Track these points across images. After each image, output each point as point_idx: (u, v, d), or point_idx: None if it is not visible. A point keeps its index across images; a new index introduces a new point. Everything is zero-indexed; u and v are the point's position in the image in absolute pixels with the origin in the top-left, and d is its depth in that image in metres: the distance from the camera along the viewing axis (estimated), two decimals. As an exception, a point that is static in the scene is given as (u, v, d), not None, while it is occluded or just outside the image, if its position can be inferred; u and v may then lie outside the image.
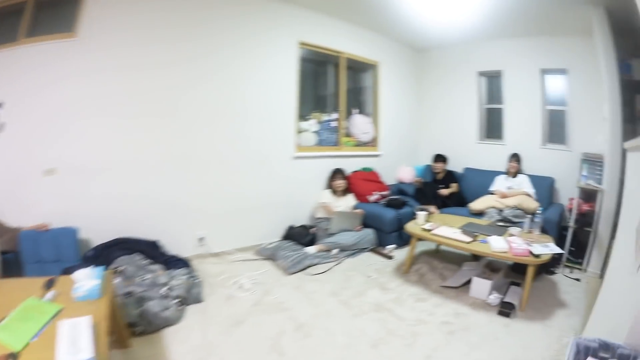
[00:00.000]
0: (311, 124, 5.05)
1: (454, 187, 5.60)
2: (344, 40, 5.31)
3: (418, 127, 6.89)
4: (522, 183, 5.05)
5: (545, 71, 5.30)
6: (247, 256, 4.31)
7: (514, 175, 5.18)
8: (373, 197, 5.19)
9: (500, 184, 5.23)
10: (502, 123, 5.86)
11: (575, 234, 4.35)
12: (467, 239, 3.55)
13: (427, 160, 6.35)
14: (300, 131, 4.92)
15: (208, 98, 4.03)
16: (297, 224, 4.85)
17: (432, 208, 5.13)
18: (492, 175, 5.45)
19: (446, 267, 4.15)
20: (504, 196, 4.88)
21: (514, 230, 3.78)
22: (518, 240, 3.49)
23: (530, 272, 3.25)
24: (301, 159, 4.87)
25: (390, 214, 4.71)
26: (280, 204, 4.76)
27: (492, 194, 5.12)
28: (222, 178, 4.25)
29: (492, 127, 6.14)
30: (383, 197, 5.30)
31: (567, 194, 4.95)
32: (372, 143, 5.95)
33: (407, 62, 6.53)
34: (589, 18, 4.12)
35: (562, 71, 5.11)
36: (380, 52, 5.92)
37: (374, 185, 5.36)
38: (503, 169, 5.35)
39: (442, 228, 3.84)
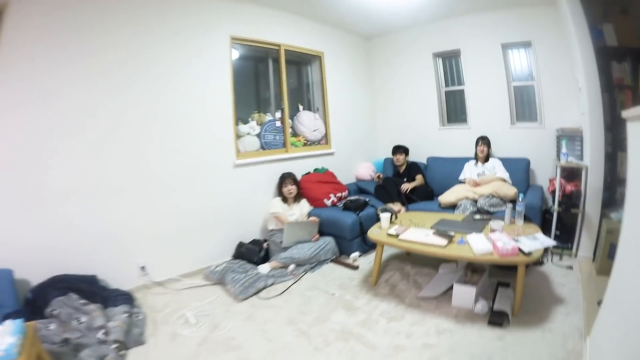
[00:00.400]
0: (252, 127, 4.54)
1: (418, 180, 5.24)
2: (282, 32, 4.86)
3: (373, 119, 6.59)
4: (495, 168, 4.74)
5: (507, 46, 5.09)
6: (194, 282, 3.78)
7: (485, 160, 4.87)
8: (330, 200, 4.74)
9: (470, 171, 4.93)
10: (465, 105, 5.61)
11: (560, 217, 4.05)
12: (442, 241, 3.09)
13: (387, 153, 6.05)
14: (240, 136, 4.42)
15: (127, 111, 3.47)
16: (248, 239, 4.34)
17: (397, 206, 4.79)
18: (459, 162, 5.17)
19: (420, 272, 3.75)
20: (476, 184, 4.56)
21: (495, 224, 3.36)
22: (502, 236, 3.02)
23: (521, 273, 2.84)
24: (244, 167, 4.35)
25: (350, 218, 4.27)
26: (227, 219, 4.23)
27: (462, 183, 4.82)
28: (156, 197, 3.70)
29: (454, 111, 5.90)
30: (341, 199, 4.88)
31: (545, 175, 4.82)
32: (323, 141, 5.52)
33: (356, 51, 6.18)
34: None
35: (525, 44, 4.95)
36: (324, 43, 5.50)
37: (330, 186, 4.90)
38: (471, 155, 5.06)
39: (411, 231, 3.40)
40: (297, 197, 4.48)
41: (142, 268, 3.63)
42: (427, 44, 5.81)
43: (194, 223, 3.97)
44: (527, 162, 4.81)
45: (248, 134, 4.50)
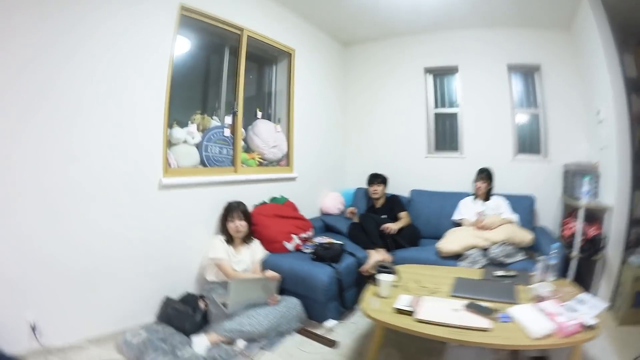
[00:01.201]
0: (191, 132, 3.25)
1: (404, 219, 4.20)
2: (247, 13, 3.72)
3: (344, 140, 5.55)
4: (499, 207, 3.97)
5: (512, 68, 4.55)
6: (104, 355, 2.43)
7: (485, 197, 4.07)
8: (292, 242, 3.52)
9: (467, 210, 4.08)
10: (458, 131, 4.89)
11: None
12: (484, 322, 2.02)
13: (356, 183, 5.18)
14: (173, 143, 3.11)
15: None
16: (179, 292, 3.01)
17: (380, 253, 3.66)
18: (451, 198, 4.37)
19: (423, 349, 2.59)
20: (484, 227, 3.63)
21: (541, 288, 2.30)
22: (550, 304, 2.10)
23: (578, 354, 1.99)
24: (175, 189, 3.00)
25: (325, 272, 3.05)
26: (148, 262, 2.87)
27: (457, 224, 4.03)
28: (50, 228, 2.36)
29: (443, 136, 5.11)
30: (306, 240, 3.69)
31: (548, 215, 4.27)
32: (283, 161, 4.32)
33: (331, 57, 5.18)
34: (571, 8, 3.80)
35: (533, 68, 4.46)
36: (296, 38, 4.43)
37: (291, 223, 3.68)
38: (465, 189, 4.35)
39: (429, 303, 2.26)
40: (248, 237, 3.23)
41: (33, 327, 2.25)
42: (418, 56, 5.03)
43: (102, 265, 2.61)
44: (531, 201, 4.17)
45: (185, 141, 3.20)
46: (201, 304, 2.91)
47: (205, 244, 3.16)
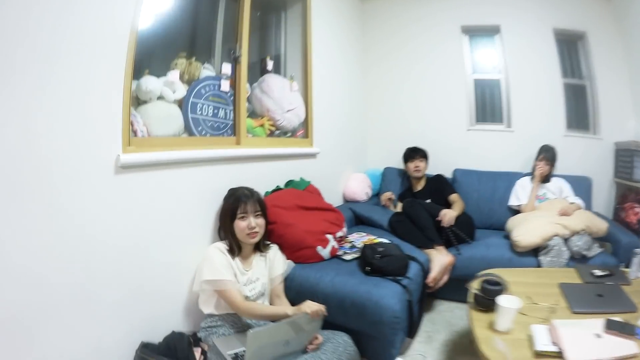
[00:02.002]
0: (171, 84, 2.04)
1: (458, 204, 3.23)
2: None
3: (364, 113, 4.37)
4: (562, 191, 3.35)
5: (558, 32, 3.86)
6: None
7: (545, 179, 3.39)
8: (328, 246, 2.36)
9: (525, 193, 3.39)
10: (501, 101, 4.05)
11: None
12: (633, 345, 1.48)
13: (378, 163, 4.30)
14: (141, 101, 1.92)
15: None
16: (160, 332, 1.80)
17: (443, 253, 2.67)
18: (504, 179, 3.65)
19: None
20: (564, 213, 2.92)
21: None
22: None
23: None
24: (142, 170, 1.75)
25: (392, 294, 1.98)
26: (106, 290, 1.62)
27: (516, 211, 3.36)
28: None
29: (483, 107, 4.19)
30: (342, 241, 2.56)
31: (599, 199, 3.64)
32: (301, 132, 3.15)
33: (347, 10, 3.99)
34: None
35: (576, 37, 3.88)
36: None
37: (322, 217, 2.50)
38: (513, 167, 3.75)
39: (566, 331, 1.52)
40: (262, 243, 2.06)
41: None
42: (452, 13, 4.12)
43: (32, 305, 1.35)
44: (589, 183, 3.52)
45: (160, 97, 1.99)
46: (195, 352, 1.74)
47: (197, 257, 1.96)
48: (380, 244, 2.42)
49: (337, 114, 3.68)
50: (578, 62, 3.96)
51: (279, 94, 2.75)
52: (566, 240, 2.73)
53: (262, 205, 2.01)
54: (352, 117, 4.03)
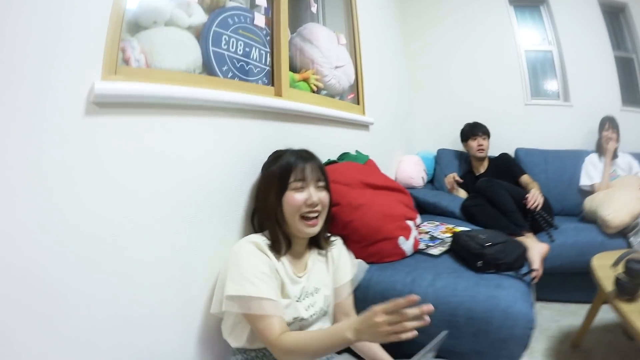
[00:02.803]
0: (187, 4, 1.33)
1: (531, 184, 2.75)
2: None
3: (411, 88, 3.86)
4: (632, 167, 3.10)
5: (602, 4, 3.63)
6: None
7: (613, 155, 3.06)
8: (410, 236, 1.63)
9: (596, 170, 3.09)
10: (556, 74, 3.75)
11: None
12: None
13: (427, 144, 3.77)
14: (142, 27, 1.19)
15: None
16: None
17: (534, 241, 2.14)
18: (570, 158, 3.28)
19: None
20: None
21: None
22: None
23: None
24: (130, 112, 1.03)
25: (522, 299, 1.31)
26: (80, 310, 0.90)
27: (586, 192, 3.02)
28: None
29: (535, 80, 3.83)
30: (418, 230, 1.90)
31: None
32: (351, 95, 2.46)
33: None
34: None
35: (618, 9, 3.72)
36: None
37: (396, 198, 1.76)
38: (575, 145, 3.43)
39: None
40: (323, 236, 1.32)
41: None
42: None
43: None
44: None
45: (170, 22, 1.27)
46: None
47: (218, 259, 1.24)
48: (474, 230, 1.73)
49: (385, 81, 3.08)
50: (622, 35, 3.79)
51: (326, 45, 2.04)
52: None
53: (325, 175, 1.29)
54: (399, 88, 3.47)
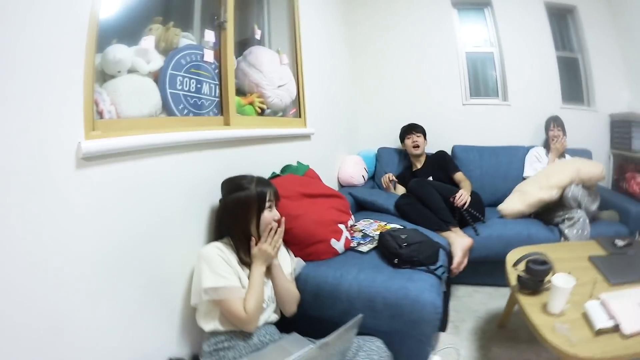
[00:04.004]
0: (144, 52, 1.61)
1: (463, 181, 3.04)
2: None
3: (354, 90, 4.08)
4: None
5: (549, 6, 3.81)
6: None
7: (560, 153, 3.26)
8: (342, 237, 2.02)
9: (540, 163, 3.29)
10: (496, 75, 3.99)
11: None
12: None
13: (371, 143, 4.02)
14: (108, 76, 1.47)
15: None
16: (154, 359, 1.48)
17: (459, 234, 2.54)
18: (506, 153, 3.56)
19: None
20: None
21: None
22: None
23: None
24: (111, 161, 1.32)
25: (431, 288, 1.70)
26: (83, 320, 1.20)
27: None
28: None
29: (476, 81, 4.10)
30: (352, 230, 2.24)
31: None
32: (293, 110, 2.77)
33: None
34: None
35: (566, 10, 3.87)
36: None
37: (330, 204, 2.14)
38: (514, 142, 3.64)
39: (617, 304, 1.52)
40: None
41: None
42: None
43: None
44: (589, 156, 3.41)
45: (131, 70, 1.56)
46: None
47: (189, 263, 1.62)
48: (398, 229, 2.10)
49: (327, 91, 3.34)
50: (569, 35, 3.93)
51: (269, 68, 2.34)
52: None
53: (273, 192, 1.68)
54: (341, 95, 3.71)
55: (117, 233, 1.33)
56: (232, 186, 1.65)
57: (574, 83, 3.87)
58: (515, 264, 1.83)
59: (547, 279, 1.68)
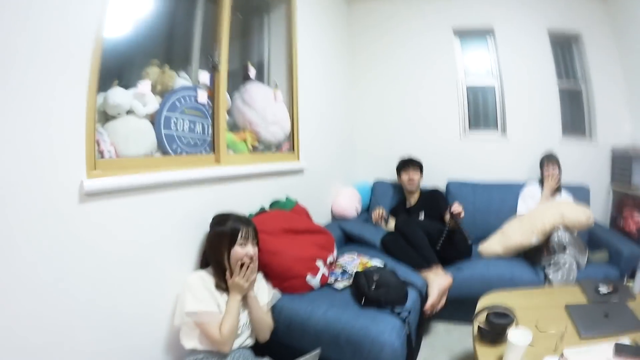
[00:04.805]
0: (141, 96, 1.88)
1: (451, 222, 3.03)
2: None
3: (351, 121, 4.23)
4: None
5: (552, 34, 3.83)
6: None
7: (555, 190, 3.29)
8: (318, 273, 2.22)
9: (533, 201, 3.29)
10: (497, 107, 4.00)
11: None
12: None
13: (367, 175, 4.19)
14: (109, 116, 1.76)
15: None
16: None
17: (440, 274, 2.60)
18: (501, 190, 3.61)
19: None
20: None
21: None
22: None
23: None
24: (110, 198, 1.58)
25: (392, 329, 1.85)
26: (80, 338, 1.46)
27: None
28: None
29: (476, 112, 4.13)
30: (332, 266, 2.43)
31: (596, 207, 3.49)
32: (286, 146, 3.01)
33: (333, 14, 3.89)
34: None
35: (571, 38, 3.87)
36: None
37: (311, 240, 2.36)
38: (510, 178, 3.68)
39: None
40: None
41: None
42: (443, 13, 4.04)
43: None
44: (586, 192, 3.47)
45: (130, 111, 1.84)
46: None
47: (176, 289, 1.87)
48: (375, 269, 2.28)
49: (323, 124, 3.55)
50: (573, 65, 3.93)
51: (262, 105, 2.62)
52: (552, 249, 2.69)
53: (255, 233, 1.94)
54: (338, 127, 3.92)
55: (112, 264, 1.60)
56: (215, 221, 1.95)
57: (575, 114, 3.90)
58: (477, 315, 1.93)
59: (507, 331, 1.67)
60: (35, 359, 1.33)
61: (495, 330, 1.75)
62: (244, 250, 1.86)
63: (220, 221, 1.93)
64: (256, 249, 1.93)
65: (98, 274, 1.54)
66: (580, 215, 2.77)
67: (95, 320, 1.54)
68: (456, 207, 2.87)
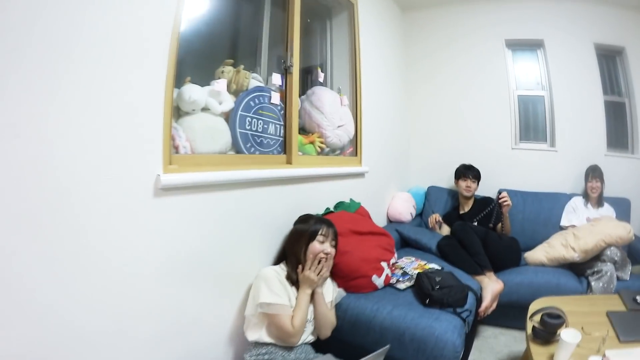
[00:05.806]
0: (217, 94, 1.76)
1: (505, 228, 3.02)
2: None
3: (407, 128, 4.06)
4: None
5: (598, 47, 3.60)
6: None
7: (598, 202, 3.18)
8: (382, 274, 2.05)
9: (577, 215, 3.18)
10: (547, 118, 3.77)
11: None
12: None
13: (420, 180, 4.00)
14: (183, 112, 1.64)
15: None
16: None
17: (493, 279, 2.43)
18: (549, 200, 3.41)
19: None
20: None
21: None
22: None
23: None
24: (185, 193, 1.47)
25: (453, 329, 1.74)
26: (144, 326, 1.35)
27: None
28: None
29: (527, 124, 3.89)
30: (394, 267, 2.27)
31: (637, 220, 3.29)
32: (350, 149, 2.85)
33: (391, 21, 3.73)
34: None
35: (615, 52, 3.65)
36: None
37: (376, 242, 2.18)
38: (557, 189, 3.49)
39: None
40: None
41: None
42: (496, 26, 3.83)
43: (61, 339, 1.10)
44: (627, 205, 3.29)
45: (205, 109, 1.72)
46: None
47: (242, 284, 1.78)
48: (435, 271, 2.12)
49: (382, 130, 3.38)
50: (617, 79, 3.72)
51: (330, 109, 2.45)
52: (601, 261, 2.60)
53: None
54: (395, 133, 3.72)
55: (181, 257, 1.48)
56: (300, 219, 1.94)
57: (619, 129, 3.67)
58: (532, 316, 1.84)
59: (558, 332, 1.68)
60: (97, 344, 1.22)
61: (548, 330, 1.72)
62: (322, 246, 1.79)
63: (305, 219, 1.92)
64: (334, 250, 1.85)
65: (166, 267, 1.42)
66: (620, 231, 2.64)
67: (160, 310, 1.41)
68: (503, 195, 2.87)
